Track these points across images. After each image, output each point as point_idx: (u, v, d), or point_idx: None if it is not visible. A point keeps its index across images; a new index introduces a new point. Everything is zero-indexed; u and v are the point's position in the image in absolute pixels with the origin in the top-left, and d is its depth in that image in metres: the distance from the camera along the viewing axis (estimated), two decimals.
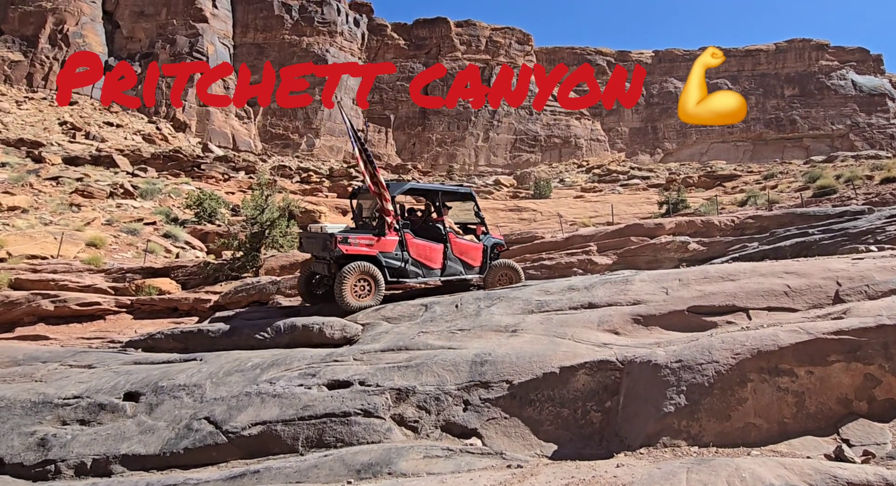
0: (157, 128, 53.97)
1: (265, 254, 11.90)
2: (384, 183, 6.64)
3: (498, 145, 77.46)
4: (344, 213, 36.89)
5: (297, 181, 38.80)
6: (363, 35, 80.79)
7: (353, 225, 7.78)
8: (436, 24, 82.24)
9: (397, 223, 6.91)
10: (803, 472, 2.55)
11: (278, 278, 9.18)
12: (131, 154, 36.99)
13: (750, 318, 4.41)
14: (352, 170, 53.30)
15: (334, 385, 4.24)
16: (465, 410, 4.05)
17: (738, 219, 11.72)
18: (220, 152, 48.99)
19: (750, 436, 3.23)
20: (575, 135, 79.11)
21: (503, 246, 8.11)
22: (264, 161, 56.75)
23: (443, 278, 7.22)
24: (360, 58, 79.60)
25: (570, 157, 76.96)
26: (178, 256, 15.38)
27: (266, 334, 5.99)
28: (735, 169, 48.37)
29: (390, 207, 6.71)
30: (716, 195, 33.78)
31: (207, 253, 17.72)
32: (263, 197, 12.08)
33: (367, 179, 6.67)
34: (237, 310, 8.37)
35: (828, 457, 2.84)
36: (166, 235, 18.38)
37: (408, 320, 5.95)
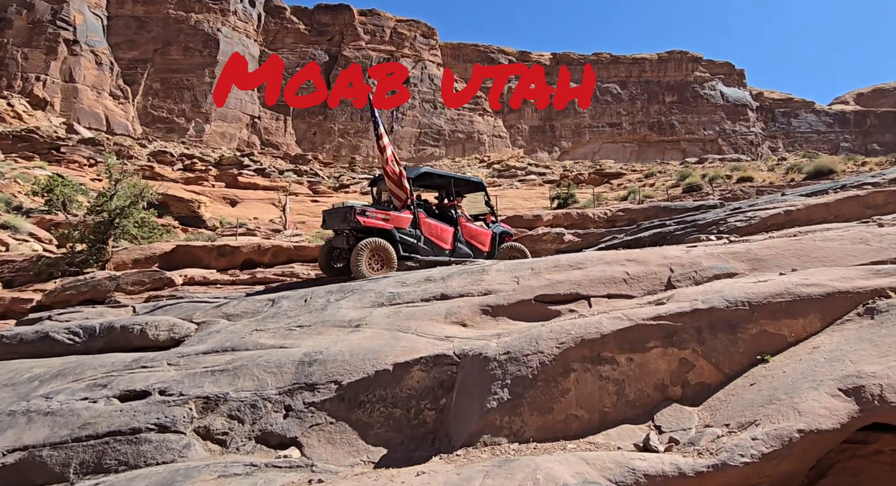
0: (9, 104, 47.03)
1: (114, 246, 10.51)
2: (402, 165, 7.52)
3: (402, 138, 76.86)
4: (233, 204, 34.49)
5: (178, 169, 35.61)
6: (259, 16, 76.21)
7: None
8: (338, 11, 79.64)
9: (411, 202, 7.46)
10: (604, 466, 2.41)
11: (118, 273, 8.05)
12: None
13: (591, 306, 4.39)
14: (245, 158, 50.09)
15: (128, 397, 3.59)
16: (285, 417, 3.60)
17: (610, 212, 12.31)
18: (89, 134, 43.71)
19: (571, 428, 3.10)
20: (478, 131, 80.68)
21: (511, 235, 8.63)
22: (143, 146, 51.66)
23: (452, 259, 7.60)
24: (256, 40, 75.06)
25: (473, 152, 78.38)
26: (8, 248, 13.25)
27: (77, 338, 5.10)
28: (621, 168, 51.94)
29: (406, 184, 7.35)
30: (602, 192, 35.96)
31: (58, 247, 15.54)
32: (112, 182, 10.64)
33: (387, 160, 7.34)
34: (62, 310, 7.21)
35: (637, 446, 2.76)
36: (4, 226, 15.86)
37: (249, 317, 5.36)
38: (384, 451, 3.48)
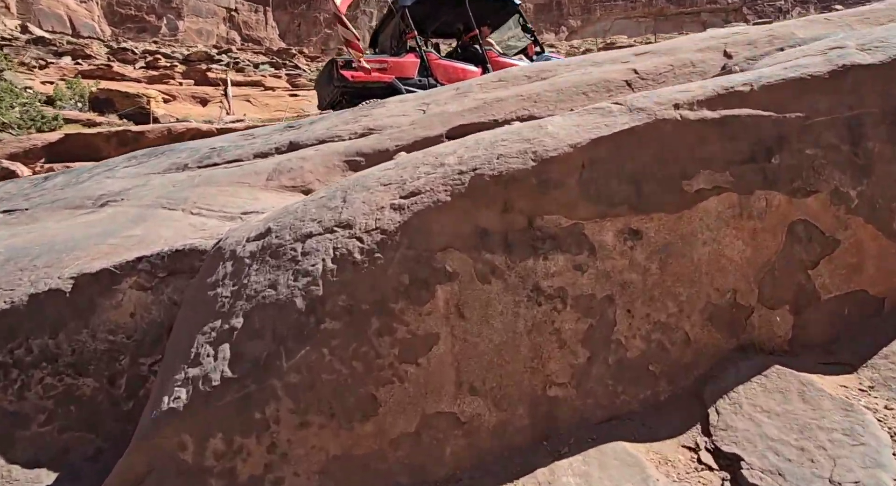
0: None
1: None
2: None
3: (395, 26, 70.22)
4: (204, 103, 31.42)
5: (140, 67, 32.15)
6: None
7: None
8: None
9: (416, 42, 5.83)
10: None
11: None
12: None
13: None
14: (223, 55, 45.66)
15: None
16: None
17: None
18: (42, 35, 39.49)
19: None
20: None
21: None
22: (110, 47, 47.24)
23: None
24: None
25: None
26: None
27: None
28: (633, 43, 46.75)
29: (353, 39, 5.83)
30: None
31: None
32: None
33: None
34: None
35: None
36: None
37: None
38: (51, 477, 1.45)
